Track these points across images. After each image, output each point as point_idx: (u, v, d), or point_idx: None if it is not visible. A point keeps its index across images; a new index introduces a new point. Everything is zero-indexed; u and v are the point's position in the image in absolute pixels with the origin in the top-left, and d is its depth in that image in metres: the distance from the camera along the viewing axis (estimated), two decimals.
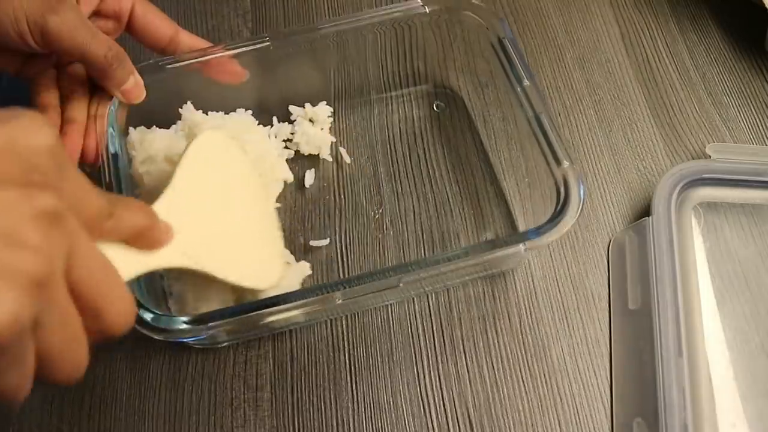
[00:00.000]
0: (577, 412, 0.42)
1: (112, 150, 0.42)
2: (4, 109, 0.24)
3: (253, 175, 0.45)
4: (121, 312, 0.26)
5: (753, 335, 0.43)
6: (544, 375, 0.43)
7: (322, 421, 0.42)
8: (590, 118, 0.53)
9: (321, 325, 0.45)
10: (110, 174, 0.41)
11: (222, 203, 0.41)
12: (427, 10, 0.47)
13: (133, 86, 0.43)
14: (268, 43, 0.46)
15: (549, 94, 0.54)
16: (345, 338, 0.44)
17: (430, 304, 0.45)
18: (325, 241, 0.47)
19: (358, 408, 0.42)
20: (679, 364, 0.39)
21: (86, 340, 0.25)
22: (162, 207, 0.36)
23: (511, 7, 0.59)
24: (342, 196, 0.49)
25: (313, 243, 0.47)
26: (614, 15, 0.59)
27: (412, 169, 0.50)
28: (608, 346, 0.44)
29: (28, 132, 0.24)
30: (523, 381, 0.43)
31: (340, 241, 0.48)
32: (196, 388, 0.43)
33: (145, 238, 0.31)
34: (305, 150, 0.51)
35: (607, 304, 0.45)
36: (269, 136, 0.50)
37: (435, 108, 0.53)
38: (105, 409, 0.43)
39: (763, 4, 0.53)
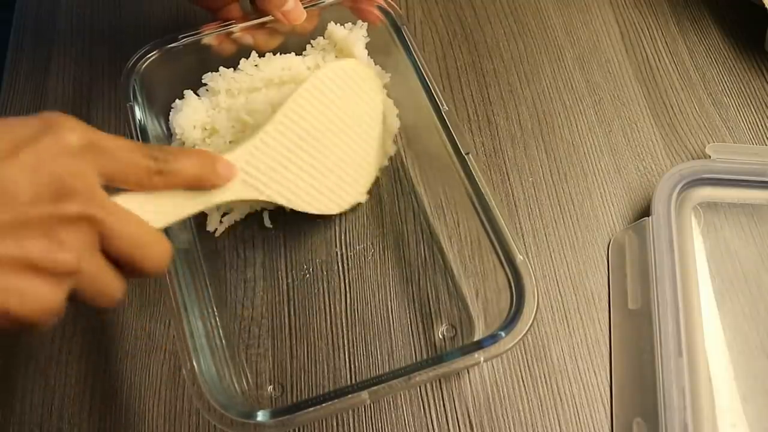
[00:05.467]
0: (577, 412, 0.42)
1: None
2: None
3: (374, 105, 0.46)
4: (155, 256, 0.31)
5: (753, 335, 0.43)
6: (544, 375, 0.43)
7: (321, 421, 0.42)
8: (590, 118, 0.53)
9: (321, 324, 0.45)
10: None
11: (316, 136, 0.42)
12: None
13: (293, 7, 0.45)
14: None
15: (549, 94, 0.54)
16: (345, 337, 0.44)
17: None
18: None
19: (358, 408, 0.42)
20: (679, 364, 0.39)
21: (120, 281, 0.31)
22: (240, 155, 0.38)
23: (511, 7, 0.59)
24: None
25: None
26: (614, 15, 0.59)
27: (411, 170, 0.50)
28: (608, 346, 0.44)
29: (59, 140, 0.28)
30: (523, 381, 0.43)
31: (340, 242, 0.48)
32: None
33: (202, 183, 0.35)
34: None
35: (607, 304, 0.45)
36: None
37: None
38: (105, 409, 0.43)
39: (763, 4, 0.53)
